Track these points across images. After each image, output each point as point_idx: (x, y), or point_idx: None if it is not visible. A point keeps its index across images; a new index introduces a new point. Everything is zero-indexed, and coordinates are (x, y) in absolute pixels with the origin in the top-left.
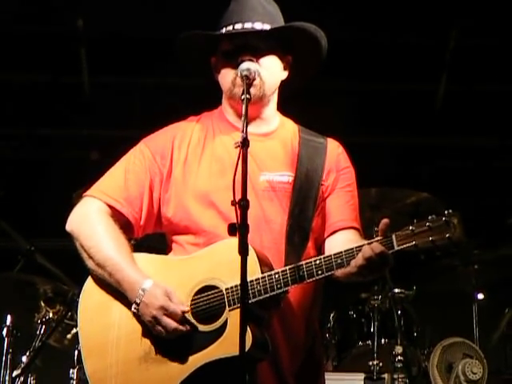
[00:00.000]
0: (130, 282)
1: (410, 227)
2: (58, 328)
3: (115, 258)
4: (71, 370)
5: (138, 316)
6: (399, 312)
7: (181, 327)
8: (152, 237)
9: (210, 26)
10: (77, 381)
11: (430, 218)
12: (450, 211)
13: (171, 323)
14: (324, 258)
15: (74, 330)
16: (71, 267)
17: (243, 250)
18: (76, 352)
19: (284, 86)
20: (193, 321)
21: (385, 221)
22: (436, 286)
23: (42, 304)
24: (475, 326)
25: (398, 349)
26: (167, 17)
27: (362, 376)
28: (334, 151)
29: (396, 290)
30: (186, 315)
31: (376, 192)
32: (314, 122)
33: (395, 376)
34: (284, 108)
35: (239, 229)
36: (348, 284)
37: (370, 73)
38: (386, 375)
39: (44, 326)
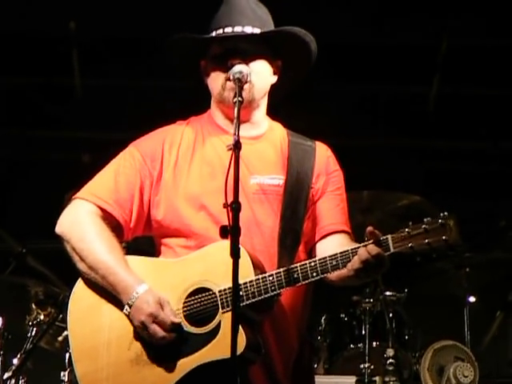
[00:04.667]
0: (123, 286)
1: (406, 229)
2: (49, 330)
3: (108, 261)
4: (62, 373)
5: (129, 318)
6: (391, 315)
7: (168, 336)
8: (140, 240)
9: (201, 28)
10: (68, 383)
11: (425, 220)
12: (446, 213)
13: (159, 332)
14: (319, 260)
15: (65, 333)
16: (63, 269)
17: (235, 253)
18: (67, 354)
19: (274, 90)
20: (185, 324)
21: (369, 229)
22: (427, 289)
23: (34, 306)
24: (467, 329)
25: (390, 352)
26: (159, 18)
27: (353, 379)
28: (323, 154)
29: (387, 293)
30: (179, 320)
31: (368, 195)
32: (305, 125)
33: (386, 379)
34: (274, 111)
35: (231, 231)
36: (340, 287)
37: (362, 75)
38: (377, 378)
39: (35, 329)
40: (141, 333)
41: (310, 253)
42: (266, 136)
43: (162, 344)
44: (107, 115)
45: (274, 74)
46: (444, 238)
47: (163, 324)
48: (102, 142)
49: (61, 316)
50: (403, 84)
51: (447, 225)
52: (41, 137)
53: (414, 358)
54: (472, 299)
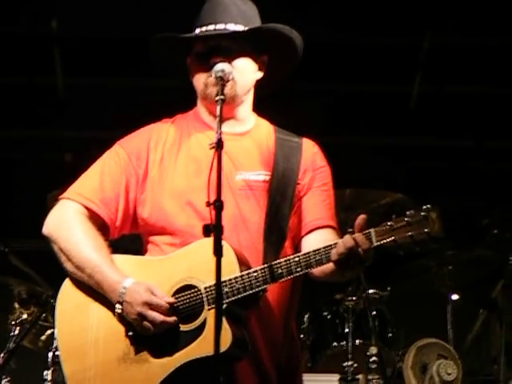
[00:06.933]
0: (110, 283)
1: (389, 223)
2: (32, 329)
3: (95, 260)
4: (45, 372)
5: (118, 316)
6: (374, 313)
7: (168, 319)
8: (127, 238)
9: (185, 26)
10: (51, 382)
11: (408, 213)
12: (429, 206)
13: (158, 316)
14: (302, 255)
15: (49, 332)
16: (45, 269)
17: (218, 252)
18: (50, 353)
19: (261, 86)
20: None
21: (362, 216)
22: (410, 287)
23: (16, 305)
24: (450, 327)
25: (373, 349)
26: (142, 17)
27: (336, 377)
28: (310, 150)
29: (370, 291)
30: (173, 300)
31: (350, 193)
32: (289, 123)
33: (370, 377)
34: (259, 109)
35: (214, 230)
36: (322, 284)
37: (345, 74)
38: (360, 376)
39: (18, 328)
40: (140, 325)
41: (297, 248)
42: (252, 132)
43: (163, 330)
44: (90, 114)
45: (259, 69)
46: (426, 230)
47: (159, 308)
48: (85, 141)
49: (44, 315)
50: (385, 82)
51: (430, 217)
52: (23, 136)
53: (397, 355)
54: (455, 297)
